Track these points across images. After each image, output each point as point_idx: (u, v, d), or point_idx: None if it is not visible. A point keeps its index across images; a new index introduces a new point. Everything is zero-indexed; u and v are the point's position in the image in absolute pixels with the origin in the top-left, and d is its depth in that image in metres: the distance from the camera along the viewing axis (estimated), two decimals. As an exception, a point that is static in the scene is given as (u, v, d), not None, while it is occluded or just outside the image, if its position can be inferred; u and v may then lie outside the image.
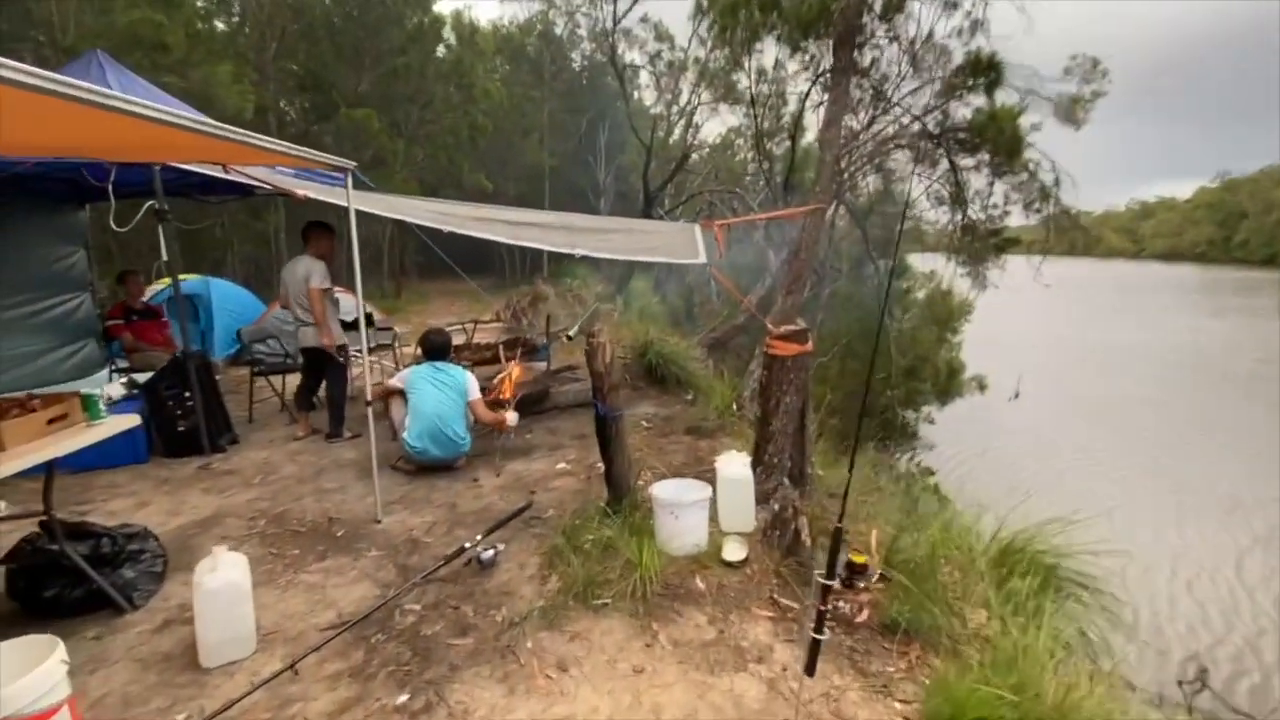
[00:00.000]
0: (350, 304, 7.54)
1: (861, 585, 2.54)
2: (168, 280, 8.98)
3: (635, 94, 16.45)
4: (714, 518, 2.99)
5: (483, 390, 4.37)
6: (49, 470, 2.42)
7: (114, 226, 4.13)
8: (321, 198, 4.23)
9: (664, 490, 2.88)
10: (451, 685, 2.07)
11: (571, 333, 3.42)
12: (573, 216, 4.86)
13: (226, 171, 3.81)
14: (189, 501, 3.69)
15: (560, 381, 5.89)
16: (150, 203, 4.21)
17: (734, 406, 5.29)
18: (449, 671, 2.13)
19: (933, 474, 11.97)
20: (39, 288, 6.52)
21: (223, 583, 2.16)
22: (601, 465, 3.18)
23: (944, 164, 8.65)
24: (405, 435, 3.92)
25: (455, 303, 16.76)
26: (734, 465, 3.07)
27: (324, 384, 4.93)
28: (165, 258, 4.55)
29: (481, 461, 4.24)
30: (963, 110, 8.09)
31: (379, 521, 3.32)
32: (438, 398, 3.95)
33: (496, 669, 2.14)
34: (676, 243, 4.72)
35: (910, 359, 14.36)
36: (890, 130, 8.71)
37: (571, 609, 2.47)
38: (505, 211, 4.89)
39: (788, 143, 11.91)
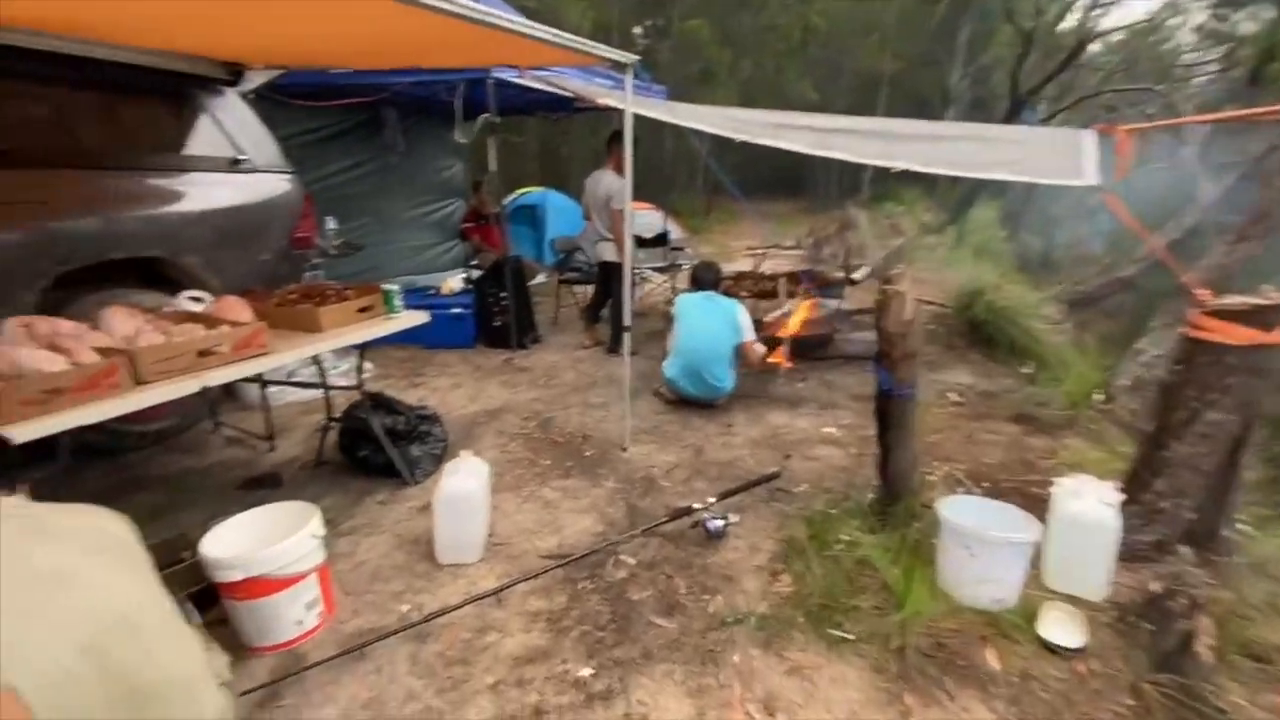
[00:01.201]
0: (649, 220, 7.73)
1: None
2: (522, 190, 10.55)
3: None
4: (1036, 565, 2.07)
5: (756, 326, 3.89)
6: (360, 351, 2.80)
7: (458, 139, 4.66)
8: (611, 103, 4.07)
9: (961, 510, 2.05)
10: (639, 676, 1.78)
11: (859, 275, 2.66)
12: (896, 122, 3.83)
13: (521, 75, 3.87)
14: (487, 391, 4.15)
15: (851, 326, 5.05)
16: (485, 115, 4.62)
17: (1099, 397, 3.81)
18: (641, 657, 1.85)
19: None
20: (430, 193, 8.15)
21: (458, 490, 2.21)
22: (878, 446, 2.46)
23: None
24: (665, 364, 3.72)
25: (763, 225, 16.31)
26: (1087, 495, 2.05)
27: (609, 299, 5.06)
28: (493, 168, 4.95)
29: (742, 406, 3.84)
30: None
31: (625, 450, 3.22)
32: (703, 333, 3.62)
33: (691, 676, 1.78)
34: (1048, 155, 3.36)
35: None
36: None
37: (799, 628, 1.95)
38: (809, 118, 4.11)
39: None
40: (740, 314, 3.74)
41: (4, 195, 2.65)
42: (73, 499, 2.61)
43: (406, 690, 1.71)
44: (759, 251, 11.05)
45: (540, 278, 7.40)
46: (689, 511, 2.47)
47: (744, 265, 8.14)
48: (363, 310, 2.59)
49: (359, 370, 2.85)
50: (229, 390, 3.82)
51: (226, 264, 3.54)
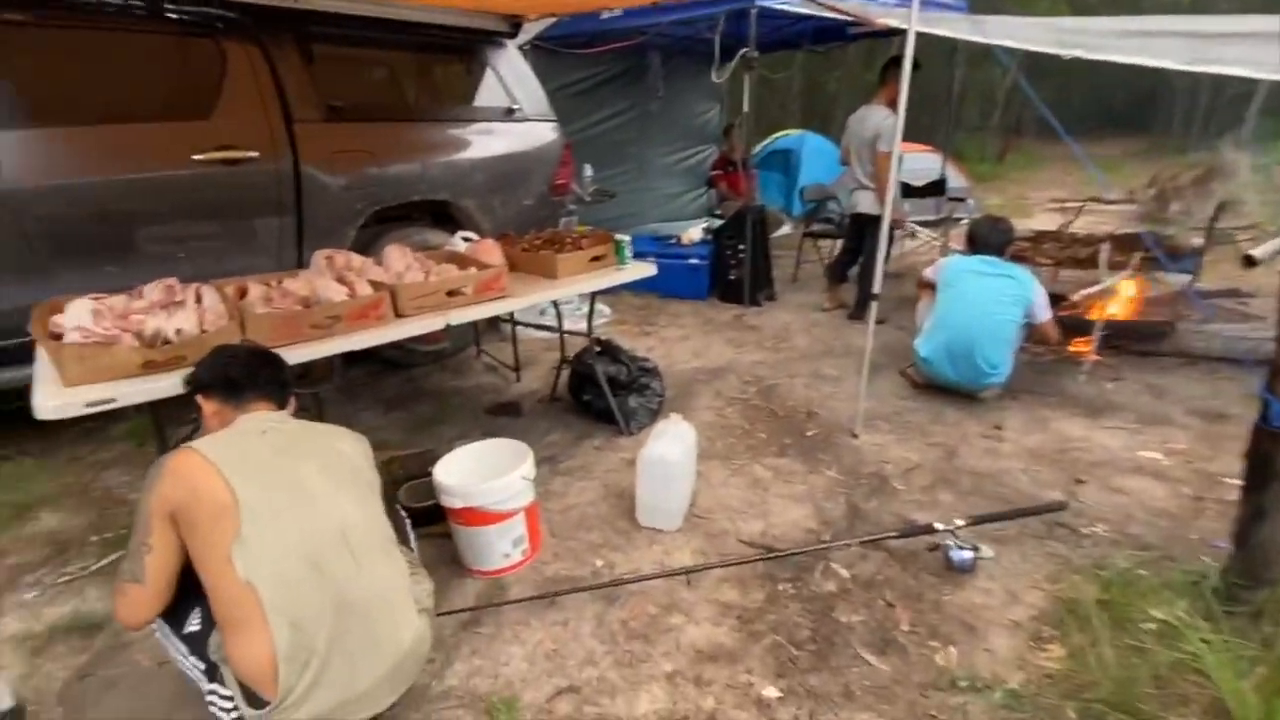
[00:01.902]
0: (924, 164, 6.60)
1: None
2: (778, 133, 9.96)
3: None
4: None
5: (1057, 303, 3.04)
6: (591, 300, 2.83)
7: (714, 79, 4.42)
8: (892, 23, 3.39)
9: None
10: (833, 717, 1.50)
11: (1259, 253, 1.74)
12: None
13: None
14: (712, 348, 4.01)
15: (1202, 315, 3.71)
16: (743, 51, 4.28)
17: None
18: (839, 695, 1.56)
19: None
20: (686, 139, 8.11)
21: (659, 455, 2.10)
22: (1235, 494, 1.70)
23: None
24: (918, 341, 3.13)
25: (1073, 173, 13.12)
26: None
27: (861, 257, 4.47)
28: (747, 109, 4.61)
29: (1018, 403, 3.08)
30: None
31: (855, 436, 2.81)
32: (977, 306, 2.92)
33: (901, 742, 1.45)
34: None
35: None
36: None
37: (1066, 726, 1.45)
38: (1187, 21, 2.94)
39: None
40: (1035, 288, 2.94)
41: (339, 145, 3.19)
42: (374, 398, 3.12)
43: (587, 652, 1.69)
44: (1071, 206, 8.95)
45: (785, 229, 6.94)
46: (928, 530, 2.02)
47: (1045, 223, 6.59)
48: (594, 260, 2.59)
49: (589, 317, 2.90)
50: (491, 322, 4.30)
51: (496, 207, 3.89)
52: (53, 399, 1.46)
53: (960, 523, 2.01)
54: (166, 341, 1.64)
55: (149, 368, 1.56)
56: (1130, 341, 3.52)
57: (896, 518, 2.22)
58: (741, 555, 2.04)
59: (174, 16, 2.76)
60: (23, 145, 2.39)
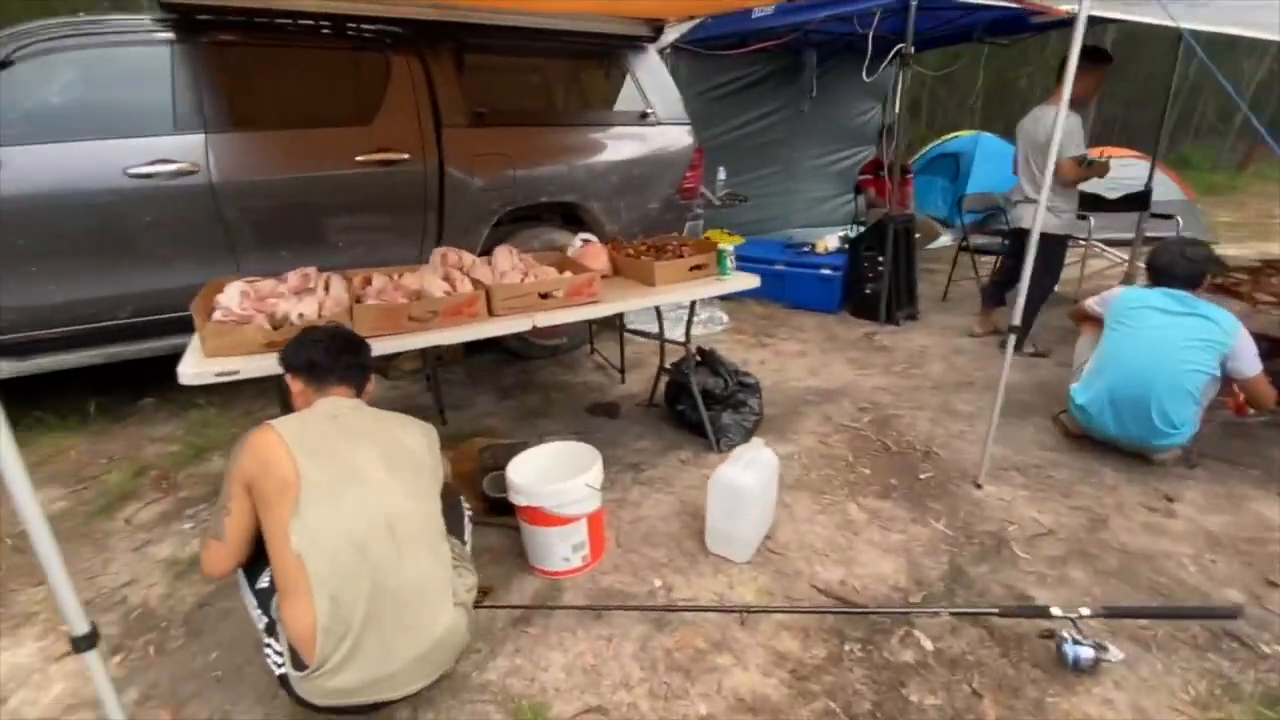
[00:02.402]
0: (1129, 172, 5.57)
1: None
2: (949, 135, 9.05)
3: None
4: None
5: (1267, 356, 2.41)
6: (691, 308, 2.75)
7: (865, 78, 4.10)
8: (1065, 8, 2.87)
9: None
10: (878, 812, 1.31)
11: None
12: None
13: None
14: (830, 366, 3.74)
15: None
16: (899, 47, 3.91)
17: None
18: (890, 787, 1.36)
19: None
20: (840, 141, 7.66)
21: (729, 482, 1.98)
22: None
23: None
24: (1075, 386, 2.64)
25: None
26: None
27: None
28: (898, 109, 4.23)
29: (1202, 471, 2.49)
30: None
31: (979, 486, 2.45)
32: (1159, 349, 2.40)
33: None
34: None
35: None
36: None
37: None
38: None
39: None
40: (1239, 333, 2.35)
41: (480, 149, 3.42)
42: (492, 384, 3.31)
43: (624, 674, 1.64)
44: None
45: (943, 240, 6.28)
46: (1044, 613, 1.70)
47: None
48: (695, 269, 2.51)
49: (688, 325, 2.83)
50: (606, 322, 4.39)
51: (621, 210, 3.95)
52: (192, 367, 1.71)
53: (1086, 611, 1.66)
54: (290, 324, 1.86)
55: (271, 346, 1.77)
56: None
57: (1008, 591, 1.90)
58: (811, 603, 1.87)
59: (352, 33, 3.14)
60: (227, 146, 2.85)
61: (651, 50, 4.12)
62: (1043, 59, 11.56)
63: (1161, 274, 2.52)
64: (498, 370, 3.76)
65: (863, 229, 4.85)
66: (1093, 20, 4.17)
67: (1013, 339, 2.31)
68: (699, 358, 2.98)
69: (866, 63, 4.10)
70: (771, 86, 7.05)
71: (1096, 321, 2.68)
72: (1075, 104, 3.54)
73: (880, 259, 4.36)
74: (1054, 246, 3.55)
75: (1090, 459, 2.62)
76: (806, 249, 4.97)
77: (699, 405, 2.75)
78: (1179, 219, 4.93)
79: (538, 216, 3.79)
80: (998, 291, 4.09)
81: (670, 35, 4.74)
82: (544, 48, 3.68)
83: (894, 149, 4.95)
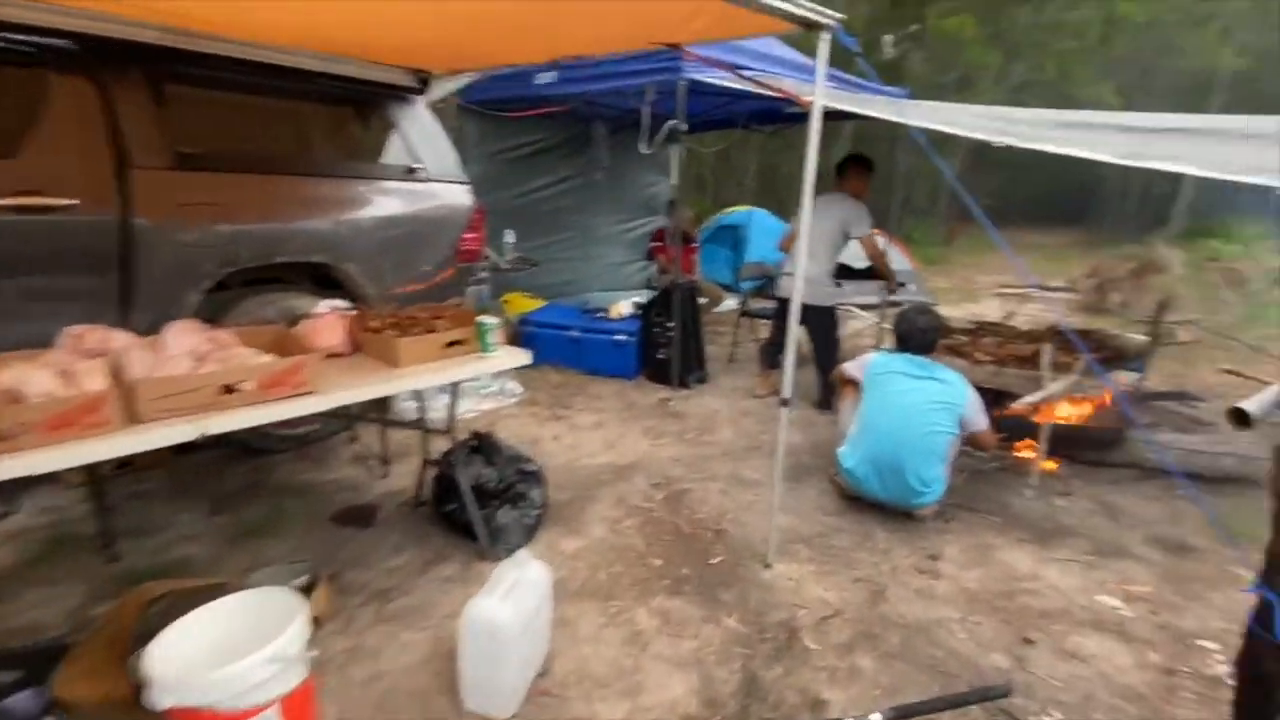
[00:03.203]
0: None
1: None
2: (731, 209, 9.94)
3: None
4: None
5: (997, 399, 2.69)
6: (453, 392, 2.35)
7: (642, 150, 4.17)
8: (796, 93, 3.17)
9: None
10: None
11: (1253, 408, 1.38)
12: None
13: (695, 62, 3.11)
14: (627, 438, 3.54)
15: (1151, 419, 3.43)
16: (670, 122, 4.05)
17: None
18: None
19: None
20: (631, 210, 7.93)
21: (487, 619, 1.58)
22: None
23: None
24: (843, 450, 2.72)
25: (1022, 258, 13.50)
26: None
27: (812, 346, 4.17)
28: (674, 180, 4.36)
29: (957, 523, 2.66)
30: None
31: (768, 566, 2.33)
32: (904, 414, 2.54)
33: None
34: None
35: None
36: None
37: None
38: (1122, 116, 2.78)
39: None
40: (967, 392, 2.59)
41: (186, 197, 2.72)
42: (205, 493, 2.50)
43: None
44: (1017, 292, 8.97)
45: (729, 303, 6.65)
46: (834, 725, 1.53)
47: (989, 310, 6.46)
48: (450, 345, 2.13)
49: (452, 411, 2.41)
50: (378, 401, 3.78)
51: (385, 272, 3.44)
52: None
53: (878, 717, 1.52)
54: None
55: None
56: (1079, 449, 3.19)
57: (802, 696, 1.72)
58: (589, 761, 1.51)
59: (-15, 39, 2.33)
60: None
61: (420, 103, 3.77)
62: (800, 149, 13.42)
63: (902, 341, 2.72)
64: (219, 472, 2.95)
65: (656, 294, 4.87)
66: (836, 115, 4.79)
67: (785, 413, 2.27)
68: (473, 444, 2.56)
69: (643, 136, 4.17)
70: (565, 154, 7.11)
71: (856, 384, 2.81)
72: (857, 196, 3.99)
73: (670, 325, 4.37)
74: (827, 316, 3.86)
75: (865, 520, 2.67)
76: (601, 314, 4.86)
77: (468, 504, 2.31)
78: (911, 285, 5.71)
79: (277, 279, 3.14)
80: (773, 353, 4.29)
81: (442, 89, 4.44)
82: (281, 86, 3.13)
83: (674, 220, 5.17)
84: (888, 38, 16.34)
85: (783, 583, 2.24)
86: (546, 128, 6.82)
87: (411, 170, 3.60)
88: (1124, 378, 3.65)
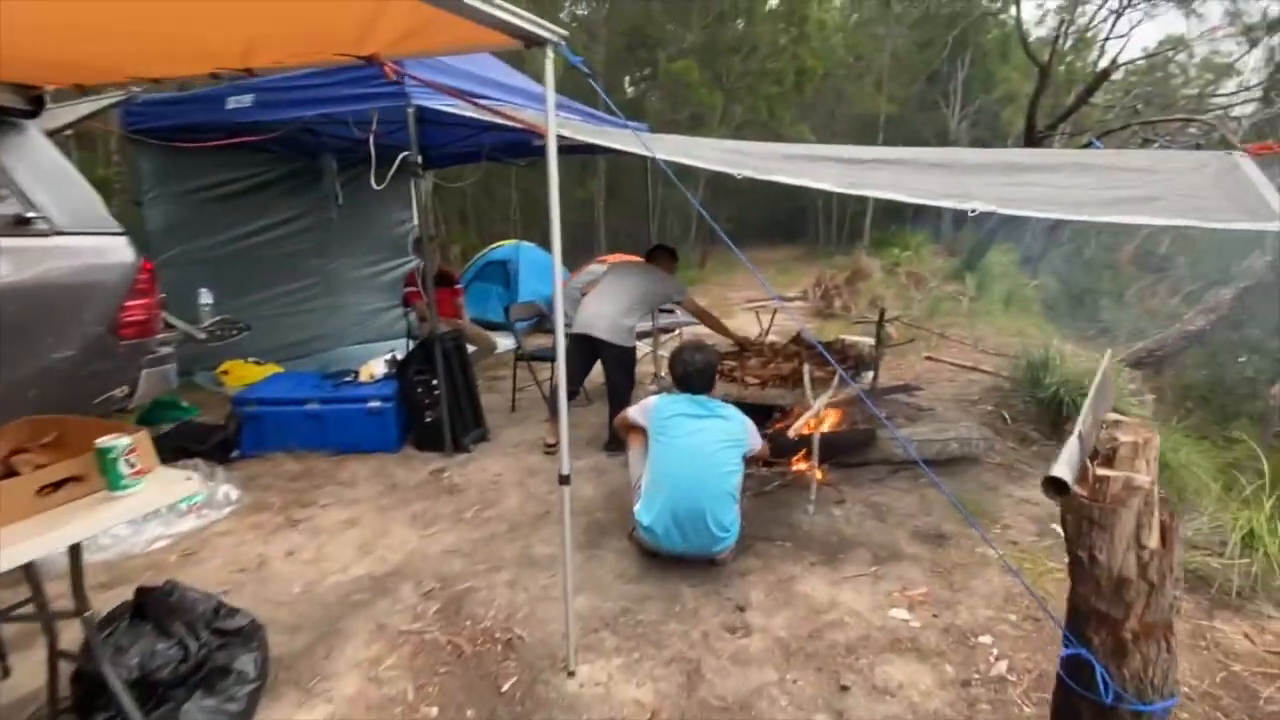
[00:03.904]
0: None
1: None
2: (498, 243, 9.51)
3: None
4: None
5: (768, 414, 2.71)
6: (73, 557, 1.57)
7: (374, 184, 3.57)
8: (530, 120, 3.00)
9: None
10: None
11: (1066, 475, 1.52)
12: (966, 152, 2.76)
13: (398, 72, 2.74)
14: (390, 533, 2.91)
15: (887, 412, 3.85)
16: (403, 155, 3.54)
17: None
18: None
19: None
20: (381, 250, 7.07)
21: None
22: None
23: None
24: (638, 506, 2.49)
25: (762, 275, 15.31)
26: None
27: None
28: (415, 220, 3.86)
29: (754, 562, 2.59)
30: None
31: (571, 674, 1.96)
32: (699, 457, 2.40)
33: None
34: (1208, 189, 2.24)
35: None
36: None
37: None
38: (840, 149, 3.05)
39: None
40: (746, 422, 2.56)
41: None
42: None
43: None
44: (762, 305, 9.94)
45: (505, 344, 6.21)
46: None
47: (745, 323, 6.99)
48: (48, 490, 1.39)
49: (77, 579, 1.61)
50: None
51: (-12, 365, 2.39)
52: None
53: None
54: None
55: None
56: (842, 454, 3.42)
57: None
58: None
59: None
60: None
61: (32, 131, 2.75)
62: (560, 182, 13.59)
63: (681, 382, 2.60)
64: None
65: (413, 347, 4.26)
66: (587, 149, 4.71)
67: (568, 491, 1.94)
68: (135, 609, 1.78)
69: (373, 170, 3.58)
70: (289, 189, 6.07)
71: (641, 431, 2.61)
72: (670, 271, 3.97)
73: (434, 382, 3.80)
74: (627, 355, 3.77)
75: (669, 578, 2.46)
76: (349, 379, 4.08)
77: (128, 710, 1.55)
78: (678, 313, 5.84)
79: None
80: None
81: (70, 113, 3.35)
82: None
83: (423, 259, 4.64)
84: (627, 78, 17.48)
85: (590, 691, 1.89)
86: (264, 161, 5.74)
87: (24, 221, 2.57)
88: (865, 380, 4.07)
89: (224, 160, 5.50)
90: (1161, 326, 6.80)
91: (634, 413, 2.66)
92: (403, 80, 3.13)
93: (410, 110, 3.39)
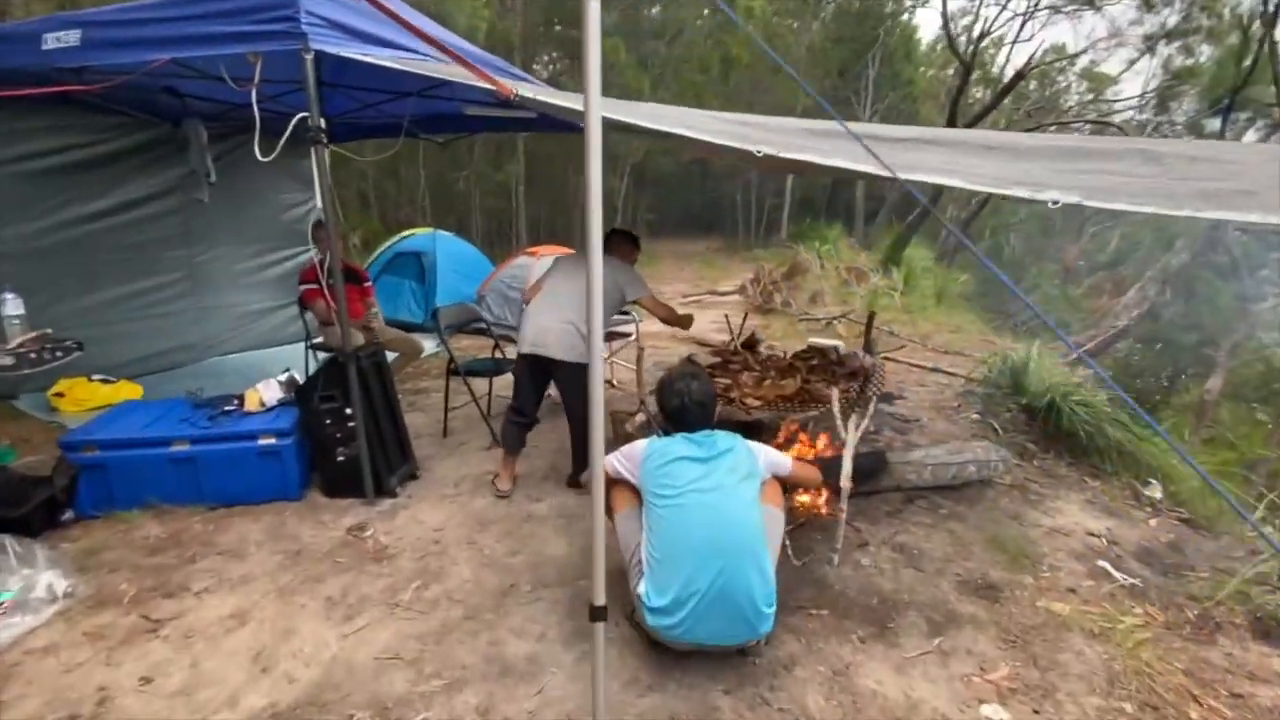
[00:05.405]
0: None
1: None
2: (409, 232, 8.41)
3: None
4: None
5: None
6: None
7: (258, 156, 2.69)
8: (542, 98, 2.32)
9: None
10: None
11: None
12: (1003, 135, 2.35)
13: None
14: (299, 632, 2.12)
15: (891, 426, 3.47)
16: (300, 115, 2.67)
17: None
18: None
19: None
20: (271, 238, 5.93)
21: None
22: None
23: None
24: (643, 585, 1.88)
25: (686, 266, 14.97)
26: None
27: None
28: (318, 201, 3.00)
29: (796, 644, 2.05)
30: None
31: None
32: (724, 512, 1.83)
33: None
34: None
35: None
36: None
37: None
38: (870, 128, 2.58)
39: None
40: (758, 451, 2.03)
41: None
42: None
43: None
44: (696, 299, 9.53)
45: (430, 347, 5.34)
46: None
47: (709, 324, 6.50)
48: None
49: None
50: None
51: None
52: None
53: None
54: None
55: None
56: (854, 484, 2.97)
57: None
58: None
59: None
60: None
61: None
62: (474, 165, 12.55)
63: (675, 419, 2.03)
64: None
65: (320, 366, 3.39)
66: (521, 124, 3.99)
67: (600, 629, 1.30)
68: None
69: (256, 138, 2.70)
70: (142, 163, 4.91)
71: (626, 486, 2.01)
72: (630, 261, 3.21)
73: (348, 411, 2.98)
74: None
75: (695, 683, 1.87)
76: (231, 407, 3.16)
77: None
78: (635, 317, 5.20)
79: None
80: (515, 430, 3.22)
81: None
82: None
83: (323, 248, 3.74)
84: (547, 57, 16.50)
85: None
86: (106, 126, 4.56)
87: None
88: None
89: (47, 123, 4.29)
90: (1096, 323, 7.01)
91: (617, 463, 2.04)
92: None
93: (308, 57, 2.54)
